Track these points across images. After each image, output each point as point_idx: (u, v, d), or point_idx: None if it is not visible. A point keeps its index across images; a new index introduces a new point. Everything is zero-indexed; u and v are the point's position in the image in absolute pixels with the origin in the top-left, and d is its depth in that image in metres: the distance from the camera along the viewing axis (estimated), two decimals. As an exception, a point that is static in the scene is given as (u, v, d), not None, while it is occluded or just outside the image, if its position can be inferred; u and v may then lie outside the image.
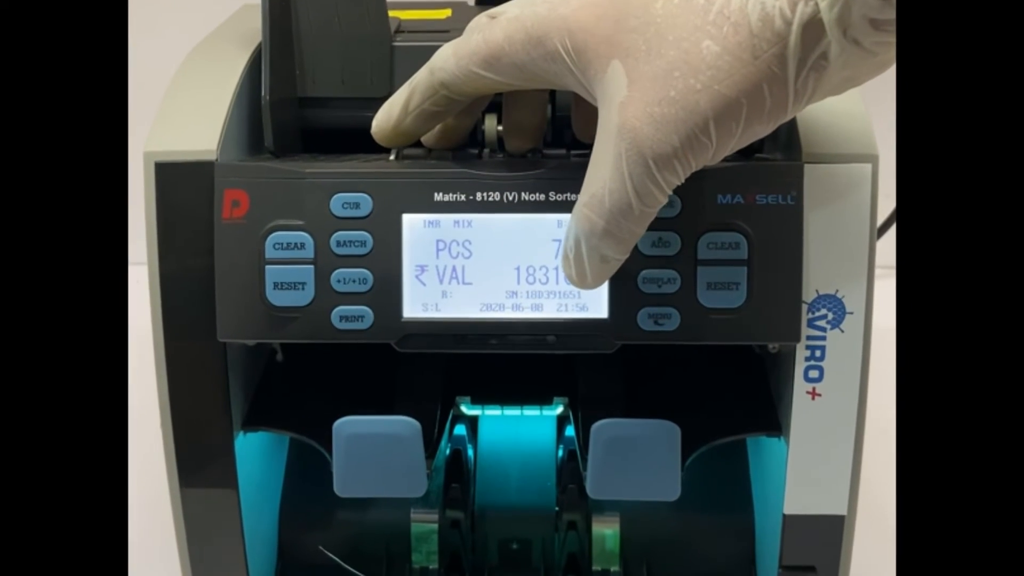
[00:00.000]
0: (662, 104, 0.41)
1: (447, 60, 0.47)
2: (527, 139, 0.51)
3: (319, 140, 0.58)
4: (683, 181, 0.43)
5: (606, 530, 0.61)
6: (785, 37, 0.41)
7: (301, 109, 0.57)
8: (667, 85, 0.41)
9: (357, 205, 0.49)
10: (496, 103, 0.52)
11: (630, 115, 0.42)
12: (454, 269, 0.50)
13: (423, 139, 0.52)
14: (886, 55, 0.42)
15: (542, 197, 0.49)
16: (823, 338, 0.50)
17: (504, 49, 0.45)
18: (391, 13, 0.57)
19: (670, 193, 0.43)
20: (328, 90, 0.57)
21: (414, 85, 0.49)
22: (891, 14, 0.39)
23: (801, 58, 0.41)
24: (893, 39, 0.40)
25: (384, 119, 0.50)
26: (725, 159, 0.44)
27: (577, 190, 0.44)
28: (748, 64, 0.41)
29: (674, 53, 0.41)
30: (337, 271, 0.50)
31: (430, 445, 0.55)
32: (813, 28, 0.41)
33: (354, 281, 0.50)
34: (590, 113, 0.46)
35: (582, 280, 0.46)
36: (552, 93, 0.53)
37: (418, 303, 0.50)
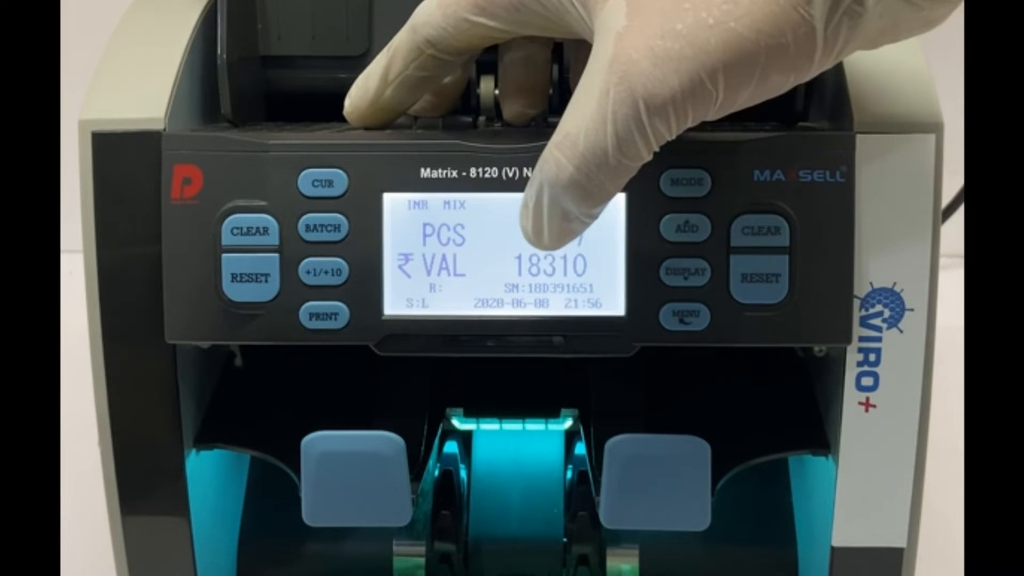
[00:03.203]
0: (666, 37, 0.41)
1: (431, 14, 0.47)
2: (528, 103, 0.51)
3: (285, 106, 0.58)
4: (674, 136, 0.43)
5: (623, 565, 0.61)
6: None
7: (264, 70, 0.57)
8: (674, 16, 0.41)
9: (330, 183, 0.49)
10: (492, 61, 0.52)
11: (627, 45, 0.42)
12: (444, 258, 0.50)
13: (408, 106, 0.52)
14: (933, 11, 0.42)
15: (547, 173, 0.49)
16: (878, 339, 0.50)
17: None
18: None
19: (656, 149, 0.43)
20: (296, 47, 0.57)
21: (394, 49, 0.49)
22: None
23: (834, 1, 0.41)
24: None
25: (359, 94, 0.50)
26: (763, 128, 0.44)
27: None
28: (772, 2, 0.41)
29: None
30: (306, 260, 0.50)
31: (416, 465, 0.55)
32: None
33: (326, 272, 0.50)
34: None
35: (538, 236, 0.45)
36: (556, 51, 0.53)
37: (401, 298, 0.50)
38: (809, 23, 0.41)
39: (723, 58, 0.41)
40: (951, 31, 0.47)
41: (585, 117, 0.42)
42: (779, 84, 0.42)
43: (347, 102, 0.51)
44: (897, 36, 0.43)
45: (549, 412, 0.63)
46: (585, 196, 0.43)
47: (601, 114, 0.42)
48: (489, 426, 0.65)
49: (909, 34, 0.43)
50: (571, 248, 0.49)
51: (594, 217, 0.44)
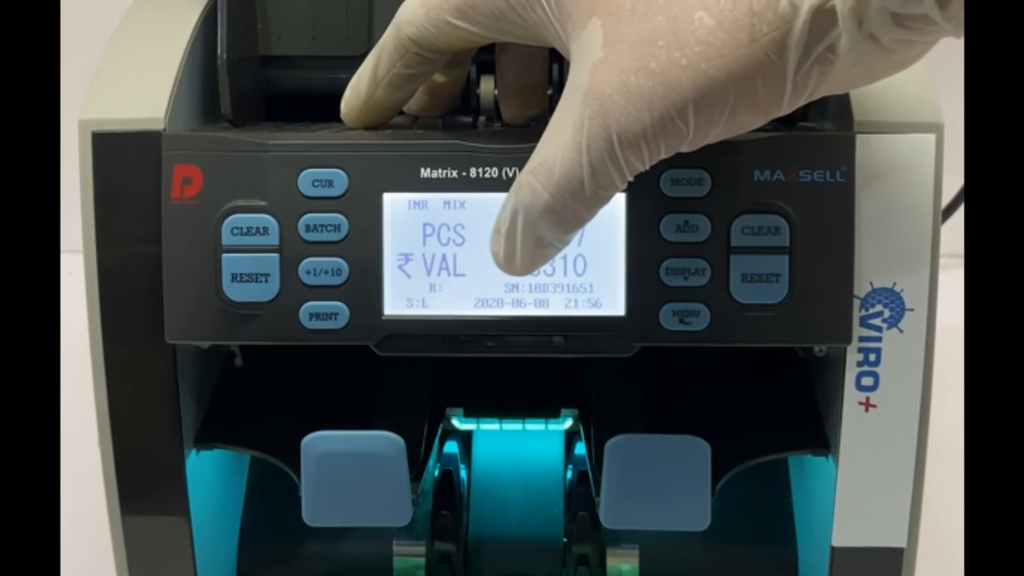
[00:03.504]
0: (639, 74, 0.42)
1: (414, 13, 0.47)
2: (526, 104, 0.52)
3: (285, 106, 0.58)
4: (647, 167, 0.43)
5: (623, 565, 0.61)
6: (790, 22, 0.41)
7: (264, 70, 0.57)
8: (648, 54, 0.42)
9: (330, 183, 0.49)
10: (492, 61, 0.52)
11: (602, 79, 0.42)
12: (444, 258, 0.50)
13: (405, 106, 0.52)
14: (906, 54, 0.42)
15: (547, 173, 0.49)
16: (878, 339, 0.50)
17: None
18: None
19: (630, 179, 0.43)
20: (296, 47, 0.57)
21: (380, 48, 0.49)
22: (918, 8, 0.39)
23: (805, 48, 0.41)
24: (916, 37, 0.40)
25: (353, 95, 0.50)
26: (763, 128, 0.44)
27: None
28: (743, 46, 0.41)
29: (662, 19, 0.42)
30: (306, 260, 0.50)
31: (416, 465, 0.55)
32: (823, 16, 0.40)
33: (326, 272, 0.50)
34: None
35: (509, 262, 0.45)
36: (555, 51, 0.53)
37: (401, 298, 0.50)
38: (780, 68, 0.41)
39: (693, 98, 0.41)
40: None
41: (560, 146, 0.43)
42: (748, 123, 0.43)
43: (343, 103, 0.51)
44: (871, 79, 0.43)
45: (549, 412, 0.63)
46: (560, 222, 0.44)
47: (576, 145, 0.42)
48: (489, 426, 0.65)
49: (883, 76, 0.43)
50: (571, 248, 0.49)
51: (566, 243, 0.45)
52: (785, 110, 0.43)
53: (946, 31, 0.40)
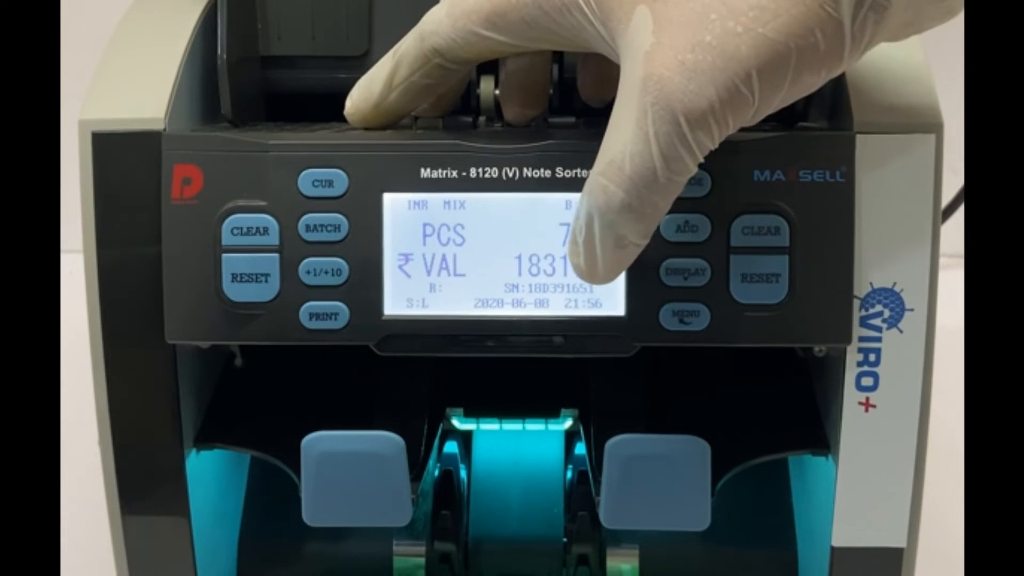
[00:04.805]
0: (696, 50, 0.41)
1: (440, 23, 0.47)
2: (528, 104, 0.51)
3: (285, 106, 0.58)
4: (717, 145, 0.43)
5: (623, 565, 0.61)
6: None
7: (264, 70, 0.57)
8: (702, 29, 0.41)
9: (330, 183, 0.49)
10: (492, 61, 0.52)
11: (657, 64, 0.42)
12: (444, 258, 0.50)
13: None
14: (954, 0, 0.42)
15: (547, 173, 0.49)
16: (878, 339, 0.50)
17: (510, 2, 0.45)
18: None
19: (701, 159, 0.43)
20: (296, 48, 0.57)
21: (400, 55, 0.49)
22: None
23: None
24: None
25: (363, 96, 0.50)
26: (763, 128, 0.44)
27: (589, 165, 0.44)
28: (797, 3, 0.41)
29: None
30: (306, 260, 0.50)
31: (416, 465, 0.55)
32: None
33: (326, 272, 0.50)
34: (600, 69, 0.46)
35: (592, 270, 0.45)
36: (556, 52, 0.53)
37: (402, 298, 0.50)
38: (837, 20, 0.41)
39: (756, 64, 0.41)
40: (951, 31, 0.47)
41: (627, 141, 0.42)
42: (811, 83, 0.43)
43: (349, 103, 0.51)
44: (921, 27, 0.43)
45: (549, 412, 0.63)
46: (639, 218, 0.43)
47: (643, 135, 0.42)
48: (489, 426, 0.65)
49: (932, 24, 0.43)
50: (571, 248, 0.49)
51: (646, 239, 0.44)
52: (846, 64, 0.42)
53: None
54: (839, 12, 0.41)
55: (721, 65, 0.41)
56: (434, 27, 0.47)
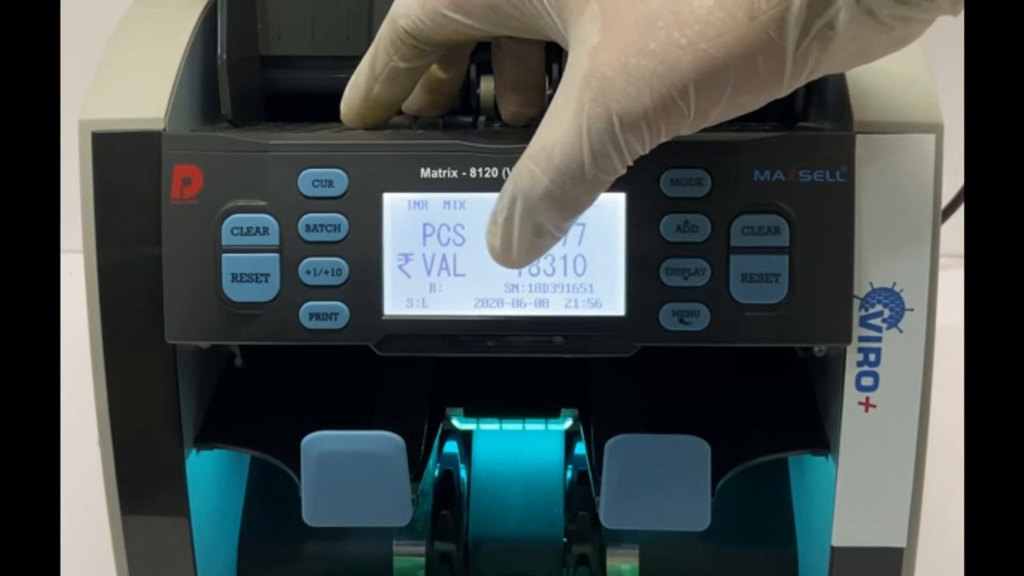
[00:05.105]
0: (639, 55, 0.42)
1: (410, 5, 0.47)
2: (525, 102, 0.52)
3: (285, 106, 0.58)
4: (647, 150, 0.43)
5: (623, 565, 0.61)
6: None
7: (264, 70, 0.57)
8: (647, 35, 0.42)
9: (330, 183, 0.49)
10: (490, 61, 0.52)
11: (601, 62, 0.42)
12: (444, 258, 0.50)
13: (404, 105, 0.52)
14: (904, 30, 0.42)
15: (547, 173, 0.49)
16: (878, 339, 0.50)
17: None
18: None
19: (630, 163, 0.43)
20: (296, 47, 0.57)
21: (377, 43, 0.49)
22: None
23: (804, 25, 0.41)
24: (914, 14, 0.40)
25: (352, 93, 0.50)
26: (763, 128, 0.44)
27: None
28: (743, 24, 0.41)
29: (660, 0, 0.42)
30: (306, 260, 0.50)
31: (416, 465, 0.55)
32: None
33: (326, 272, 0.50)
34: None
35: (506, 253, 0.45)
36: (554, 49, 0.53)
37: (402, 298, 0.50)
38: (780, 46, 0.41)
39: (694, 77, 0.41)
40: (951, 31, 0.47)
41: (560, 131, 0.43)
42: (749, 103, 0.43)
43: (342, 104, 0.51)
44: (871, 57, 0.43)
45: (549, 412, 0.63)
46: (560, 208, 0.44)
47: (576, 128, 0.42)
48: (489, 426, 0.65)
49: (882, 54, 0.43)
50: (571, 248, 0.49)
51: (564, 232, 0.45)
52: (785, 90, 0.43)
53: (943, 8, 0.40)
54: (783, 38, 0.41)
55: (661, 74, 0.41)
56: (404, 9, 0.48)
